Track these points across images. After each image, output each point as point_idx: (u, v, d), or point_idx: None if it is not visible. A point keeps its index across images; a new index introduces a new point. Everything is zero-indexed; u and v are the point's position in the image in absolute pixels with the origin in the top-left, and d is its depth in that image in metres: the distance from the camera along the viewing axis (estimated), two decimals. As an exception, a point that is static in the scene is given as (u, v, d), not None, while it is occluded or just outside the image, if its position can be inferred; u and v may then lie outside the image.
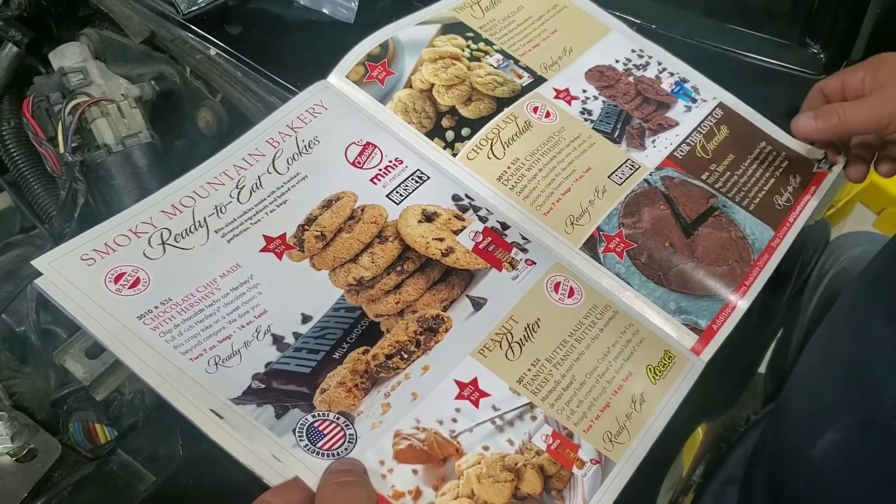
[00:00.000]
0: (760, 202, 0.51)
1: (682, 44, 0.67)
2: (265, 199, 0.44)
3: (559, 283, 0.45)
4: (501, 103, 0.52)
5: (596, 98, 0.54)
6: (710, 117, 0.55)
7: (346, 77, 0.50)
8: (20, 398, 0.54)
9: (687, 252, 0.47)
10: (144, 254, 0.40)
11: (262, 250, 0.42)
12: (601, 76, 0.55)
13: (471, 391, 0.39)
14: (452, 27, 0.55)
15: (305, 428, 0.36)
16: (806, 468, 0.52)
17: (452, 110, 0.51)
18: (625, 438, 0.40)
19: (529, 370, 0.41)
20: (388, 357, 0.40)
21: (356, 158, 0.47)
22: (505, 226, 0.47)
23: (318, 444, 0.36)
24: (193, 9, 0.64)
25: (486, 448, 0.38)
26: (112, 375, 0.53)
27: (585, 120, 0.53)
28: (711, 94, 0.57)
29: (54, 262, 0.38)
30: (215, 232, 0.42)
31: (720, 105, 0.56)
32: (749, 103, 0.57)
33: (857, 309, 0.54)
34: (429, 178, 0.48)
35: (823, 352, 0.58)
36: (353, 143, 0.48)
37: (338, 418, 0.37)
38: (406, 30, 0.53)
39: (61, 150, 0.62)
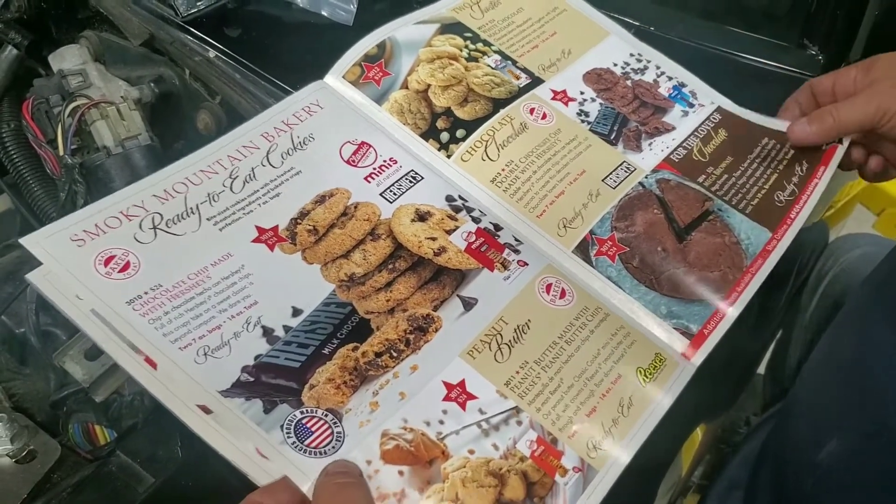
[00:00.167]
0: (759, 203, 0.50)
1: (680, 46, 0.68)
2: (258, 191, 0.44)
3: (551, 284, 0.45)
4: (498, 104, 0.52)
5: (593, 100, 0.54)
6: (708, 121, 0.55)
7: (343, 77, 0.50)
8: (20, 400, 0.54)
9: (679, 257, 0.47)
10: (135, 237, 0.40)
11: (254, 241, 0.42)
12: (599, 79, 0.55)
13: (458, 393, 0.39)
14: (451, 27, 0.55)
15: (294, 424, 0.36)
16: (812, 473, 0.52)
17: (448, 112, 0.51)
18: (609, 445, 0.39)
19: (518, 373, 0.41)
20: (378, 355, 0.40)
21: (350, 157, 0.47)
22: (498, 227, 0.47)
23: (306, 442, 0.36)
24: (192, 11, 0.65)
25: (471, 452, 0.37)
26: (111, 377, 0.53)
27: (582, 122, 0.53)
28: (709, 98, 0.57)
29: (43, 241, 0.37)
30: (207, 220, 0.42)
31: (718, 109, 0.56)
32: (747, 105, 0.57)
33: (862, 314, 0.54)
34: (423, 178, 0.48)
35: (828, 357, 0.58)
36: (348, 142, 0.48)
37: (326, 415, 0.37)
38: (404, 29, 0.53)
39: (61, 152, 0.63)
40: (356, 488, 0.34)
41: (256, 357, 0.38)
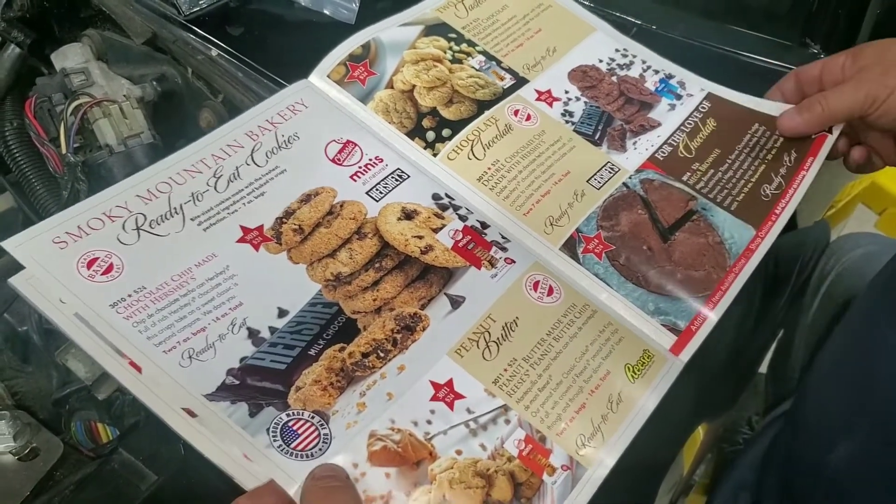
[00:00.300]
0: (745, 198, 0.50)
1: (682, 44, 0.68)
2: (243, 190, 0.43)
3: (538, 281, 0.45)
4: (482, 106, 0.52)
5: (578, 99, 0.54)
6: (697, 112, 0.55)
7: (328, 77, 0.50)
8: (22, 398, 0.54)
9: (664, 256, 0.47)
10: (118, 239, 0.39)
11: (239, 241, 0.41)
12: (584, 76, 0.56)
13: (446, 393, 0.39)
14: (435, 28, 0.55)
15: (280, 427, 0.36)
16: (822, 477, 0.52)
17: (433, 111, 0.51)
18: (598, 443, 0.39)
19: (506, 370, 0.40)
20: (365, 355, 0.39)
21: (336, 156, 0.47)
22: (485, 225, 0.46)
23: (293, 445, 0.35)
24: (195, 10, 0.65)
25: (458, 452, 0.37)
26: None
27: (567, 122, 0.53)
28: (698, 86, 0.57)
29: (24, 244, 0.37)
30: (191, 220, 0.41)
31: (708, 96, 0.56)
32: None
33: (868, 317, 0.54)
34: (409, 176, 0.47)
35: (835, 360, 0.58)
36: (334, 140, 0.48)
37: (312, 417, 0.37)
38: (388, 31, 0.53)
39: (63, 150, 0.63)
40: (343, 491, 0.34)
41: (242, 359, 0.37)
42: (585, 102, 0.54)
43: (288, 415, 0.36)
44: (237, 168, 0.44)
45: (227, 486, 0.34)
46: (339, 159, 0.47)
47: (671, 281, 0.46)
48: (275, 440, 0.35)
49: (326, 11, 0.67)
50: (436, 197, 0.47)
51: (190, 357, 0.36)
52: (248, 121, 0.46)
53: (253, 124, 0.46)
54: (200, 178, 0.43)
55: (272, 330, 0.39)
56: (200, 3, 0.65)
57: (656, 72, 0.57)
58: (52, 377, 0.54)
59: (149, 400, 0.34)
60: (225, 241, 0.41)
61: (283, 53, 0.64)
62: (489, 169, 0.49)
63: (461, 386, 0.39)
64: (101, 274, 0.37)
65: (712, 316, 0.46)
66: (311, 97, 0.49)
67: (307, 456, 0.35)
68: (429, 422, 0.38)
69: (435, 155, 0.49)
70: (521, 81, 0.54)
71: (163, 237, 0.40)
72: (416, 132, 0.50)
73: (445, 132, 0.50)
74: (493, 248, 0.45)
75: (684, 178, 0.51)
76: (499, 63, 0.55)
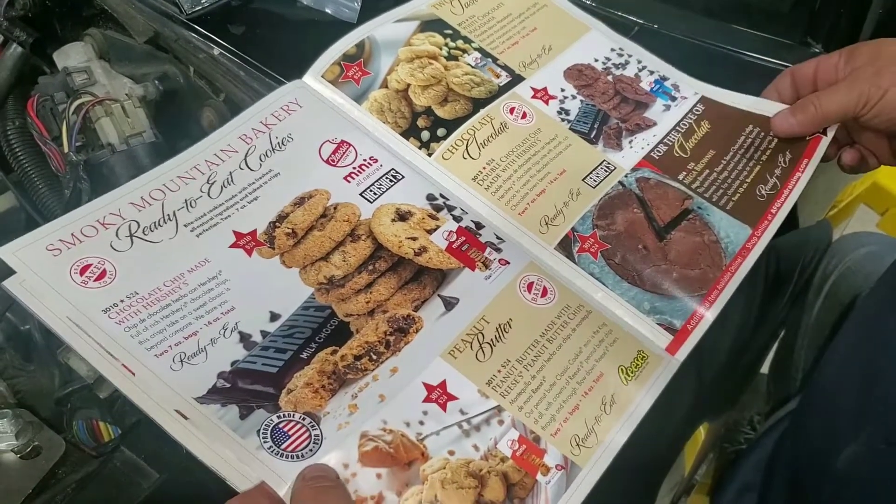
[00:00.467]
0: (740, 198, 0.50)
1: (683, 43, 0.68)
2: (236, 195, 0.44)
3: (532, 282, 0.45)
4: (478, 104, 0.51)
5: (574, 97, 0.54)
6: (691, 114, 0.55)
7: (322, 77, 0.50)
8: (24, 396, 0.54)
9: (660, 255, 0.47)
10: (112, 246, 0.40)
11: (232, 246, 0.42)
12: (580, 75, 0.55)
13: (439, 394, 0.39)
14: (431, 24, 0.55)
15: (270, 429, 0.36)
16: (830, 479, 0.52)
17: (428, 111, 0.50)
18: (592, 442, 0.39)
19: (499, 371, 0.41)
20: (357, 358, 0.40)
21: (330, 156, 0.47)
22: (479, 225, 0.46)
23: (283, 446, 0.36)
24: (197, 9, 0.65)
25: (451, 452, 0.37)
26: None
27: (562, 120, 0.52)
28: (692, 89, 0.56)
29: (19, 252, 0.37)
30: (184, 226, 0.42)
31: (702, 99, 0.56)
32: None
33: (876, 317, 0.54)
34: (403, 177, 0.47)
35: (843, 361, 0.58)
36: (328, 141, 0.48)
37: (303, 419, 0.37)
38: (383, 28, 0.53)
39: (65, 149, 0.63)
40: (334, 491, 0.34)
41: (233, 363, 0.37)
42: (581, 101, 0.54)
43: (279, 416, 0.36)
44: (231, 173, 0.44)
45: (227, 484, 0.34)
46: (333, 160, 0.47)
47: (667, 280, 0.46)
48: (265, 442, 0.35)
49: (328, 10, 0.67)
50: (430, 197, 0.47)
51: (181, 361, 0.36)
52: (242, 123, 0.47)
53: (247, 127, 0.46)
54: (194, 185, 0.43)
55: (264, 334, 0.39)
56: (202, 1, 0.65)
57: (651, 72, 0.57)
58: (54, 376, 0.55)
59: (142, 402, 0.35)
60: (218, 246, 0.41)
61: (284, 52, 0.64)
62: (484, 168, 0.49)
63: (454, 387, 0.39)
64: (94, 280, 0.38)
65: (708, 315, 0.45)
66: (306, 97, 0.49)
67: (298, 457, 0.35)
68: (421, 423, 0.38)
69: (430, 155, 0.49)
70: (516, 79, 0.54)
71: (156, 244, 0.40)
72: (410, 132, 0.49)
73: (440, 131, 0.50)
74: (488, 249, 0.45)
75: (680, 177, 0.51)
76: (494, 60, 0.54)
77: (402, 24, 0.54)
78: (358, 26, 0.53)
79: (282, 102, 0.48)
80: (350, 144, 0.48)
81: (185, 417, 0.35)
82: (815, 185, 0.53)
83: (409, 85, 0.51)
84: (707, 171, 0.51)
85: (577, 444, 0.39)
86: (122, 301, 0.37)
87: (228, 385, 0.37)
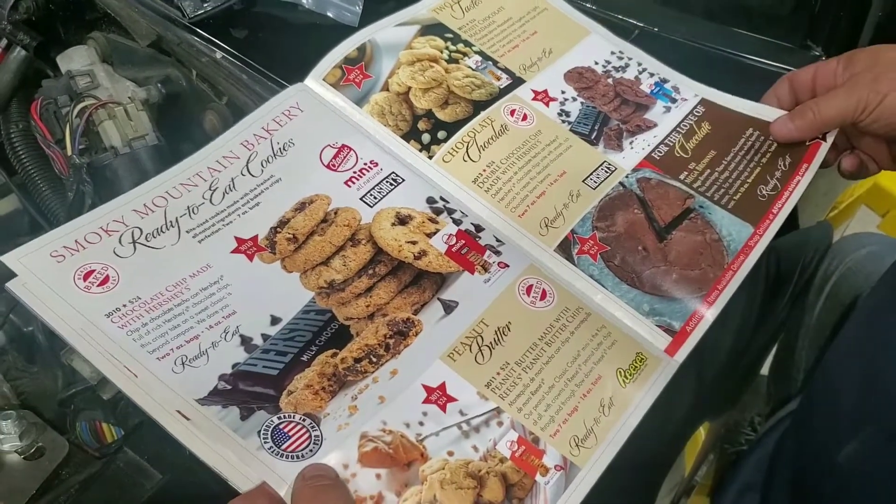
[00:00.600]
0: (741, 198, 0.50)
1: (683, 47, 0.68)
2: (238, 202, 0.44)
3: (531, 285, 0.45)
4: (478, 106, 0.52)
5: (574, 99, 0.54)
6: (691, 115, 0.55)
7: (323, 80, 0.50)
8: (28, 398, 0.55)
9: (660, 256, 0.47)
10: (115, 252, 0.40)
11: (234, 251, 0.42)
12: (580, 77, 0.55)
13: (438, 396, 0.39)
14: (431, 28, 0.55)
15: (270, 430, 0.36)
16: (831, 476, 0.52)
17: (429, 113, 0.51)
18: (591, 443, 0.40)
19: (498, 374, 0.41)
20: (357, 360, 0.40)
21: (331, 161, 0.47)
22: (479, 228, 0.47)
23: (283, 447, 0.36)
24: (199, 13, 0.65)
25: (450, 453, 0.38)
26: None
27: (563, 121, 0.53)
28: (692, 91, 0.57)
29: (23, 259, 0.38)
30: (187, 232, 0.42)
31: (702, 101, 0.56)
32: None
33: (878, 316, 0.54)
34: (404, 180, 0.48)
35: (844, 358, 0.58)
36: (329, 145, 0.48)
37: (303, 420, 0.37)
38: (384, 32, 0.53)
39: (69, 152, 0.64)
40: (334, 490, 0.35)
41: (234, 365, 0.38)
42: (582, 103, 0.54)
43: (279, 417, 0.37)
44: (232, 179, 0.45)
45: (229, 485, 0.35)
46: (333, 165, 0.47)
47: (666, 281, 0.46)
48: (266, 442, 0.36)
49: (330, 14, 0.68)
50: (430, 201, 0.47)
51: (183, 363, 0.37)
52: (245, 129, 0.47)
53: (249, 132, 0.47)
54: (196, 192, 0.44)
55: (265, 337, 0.39)
56: (205, 5, 0.66)
57: (651, 75, 0.57)
58: (58, 377, 0.55)
59: (145, 403, 0.35)
60: (219, 252, 0.42)
61: (286, 56, 0.65)
62: (484, 171, 0.49)
63: (454, 389, 0.40)
64: (97, 285, 0.38)
65: (708, 315, 0.46)
66: (307, 101, 0.50)
67: (298, 457, 0.36)
68: (421, 423, 0.38)
69: (430, 157, 0.49)
70: (517, 81, 0.54)
71: (158, 250, 0.41)
72: (411, 134, 0.50)
73: (441, 134, 0.50)
74: (487, 253, 0.46)
75: (681, 176, 0.51)
76: (495, 63, 0.55)
77: (403, 28, 0.54)
78: (359, 30, 0.53)
79: (283, 106, 0.49)
80: (351, 148, 0.48)
81: (187, 418, 0.35)
82: (816, 187, 0.53)
83: (409, 88, 0.51)
84: (708, 170, 0.52)
85: (576, 445, 0.39)
86: (124, 306, 0.38)
87: (229, 387, 0.37)
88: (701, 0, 0.73)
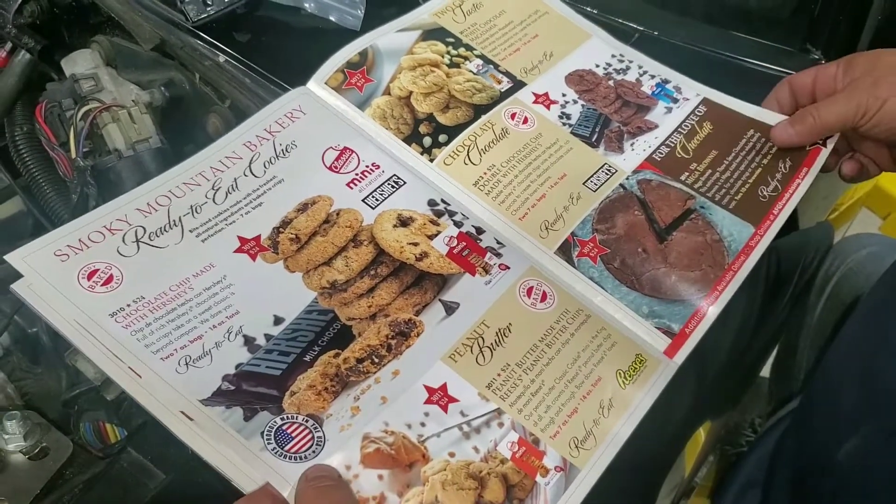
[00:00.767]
0: (743, 198, 0.50)
1: (683, 50, 0.68)
2: (241, 201, 0.44)
3: (532, 287, 0.45)
4: (479, 110, 0.52)
5: (575, 102, 0.54)
6: (693, 115, 0.55)
7: (326, 83, 0.51)
8: (32, 398, 0.55)
9: (660, 258, 0.47)
10: (118, 251, 0.40)
11: (237, 251, 0.42)
12: (581, 80, 0.56)
13: (440, 396, 0.40)
14: (433, 33, 0.55)
15: (274, 431, 0.37)
16: (832, 473, 0.53)
17: (430, 117, 0.51)
18: (591, 444, 0.40)
19: (499, 375, 0.41)
20: (359, 361, 0.40)
21: (333, 163, 0.48)
22: (480, 230, 0.47)
23: (286, 448, 0.36)
24: (203, 16, 0.66)
25: (451, 454, 0.38)
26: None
27: (564, 124, 0.53)
28: (694, 91, 0.57)
29: (27, 257, 0.38)
30: (190, 231, 0.42)
31: (704, 101, 0.56)
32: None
33: (878, 314, 0.54)
34: (405, 183, 0.48)
35: (844, 357, 0.58)
36: (331, 147, 0.48)
37: (306, 421, 0.37)
38: (386, 37, 0.54)
39: (73, 154, 0.64)
40: (337, 490, 0.35)
41: (237, 366, 0.38)
42: (583, 105, 0.54)
43: (282, 418, 0.37)
44: (235, 179, 0.45)
45: (232, 485, 0.35)
46: (336, 167, 0.48)
47: (666, 283, 0.47)
48: (269, 443, 0.36)
49: (332, 18, 0.68)
50: (431, 203, 0.48)
51: (186, 364, 0.37)
52: (247, 131, 0.47)
53: (251, 134, 0.47)
54: (199, 191, 0.44)
55: (268, 337, 0.40)
56: (208, 9, 0.66)
57: (652, 76, 0.57)
58: (62, 378, 0.55)
59: (148, 403, 0.36)
60: (223, 251, 0.42)
61: (289, 60, 0.65)
62: (485, 174, 0.49)
63: (455, 390, 0.40)
64: (101, 285, 0.39)
65: (707, 317, 0.46)
66: (310, 104, 0.50)
67: (301, 458, 0.36)
68: (422, 424, 0.39)
69: (431, 161, 0.49)
70: (518, 85, 0.54)
71: (162, 249, 0.41)
72: (412, 138, 0.50)
73: (442, 137, 0.50)
74: (488, 255, 0.46)
75: (682, 177, 0.52)
76: (496, 67, 0.55)
77: (405, 33, 0.55)
78: (361, 35, 0.54)
79: (286, 109, 0.49)
80: (353, 151, 0.49)
81: (191, 419, 0.35)
82: (816, 190, 0.53)
83: (411, 92, 0.52)
84: (710, 170, 0.52)
85: (576, 446, 0.40)
86: (128, 305, 0.38)
87: (233, 387, 0.37)
88: (700, 4, 0.73)
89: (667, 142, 0.53)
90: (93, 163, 0.63)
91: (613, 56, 0.58)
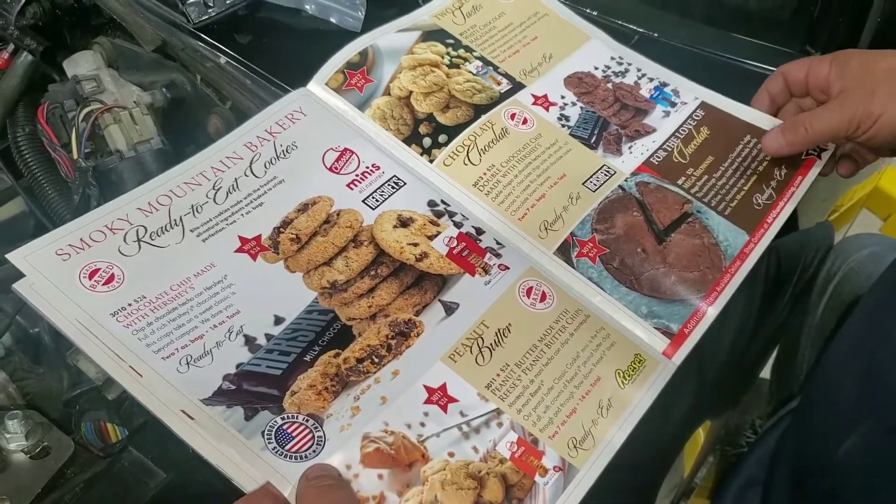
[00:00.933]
0: (738, 205, 0.51)
1: (683, 52, 0.68)
2: (241, 201, 0.45)
3: (531, 287, 0.45)
4: (479, 110, 0.52)
5: (574, 104, 0.55)
6: (690, 119, 0.55)
7: (326, 84, 0.51)
8: (34, 398, 0.55)
9: (659, 258, 0.48)
10: (119, 250, 0.41)
11: (237, 251, 0.43)
12: (580, 83, 0.56)
13: (439, 396, 0.40)
14: (433, 34, 0.56)
15: (274, 430, 0.37)
16: (832, 471, 0.53)
17: (430, 117, 0.51)
18: (589, 445, 0.40)
19: (498, 375, 0.41)
20: (359, 361, 0.40)
21: (333, 164, 0.48)
22: (480, 231, 0.47)
23: (287, 447, 0.36)
24: (204, 18, 0.66)
25: (451, 454, 0.38)
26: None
27: (563, 126, 0.53)
28: (692, 94, 0.57)
29: (29, 256, 0.38)
30: (191, 231, 0.43)
31: (702, 105, 0.56)
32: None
33: (877, 312, 0.54)
34: (405, 183, 0.48)
35: (844, 355, 0.58)
36: (331, 148, 0.49)
37: (307, 420, 0.38)
38: (386, 37, 0.54)
39: (75, 155, 0.64)
40: (338, 489, 0.35)
41: (238, 365, 0.38)
42: (581, 107, 0.55)
43: (283, 418, 0.37)
44: (236, 179, 0.45)
45: (233, 484, 0.35)
46: (336, 167, 0.48)
47: (665, 283, 0.47)
48: (269, 443, 0.36)
49: (333, 20, 0.68)
50: (431, 204, 0.48)
51: (188, 363, 0.37)
52: (248, 132, 0.48)
53: (252, 135, 0.47)
54: (200, 191, 0.44)
55: (268, 337, 0.40)
56: (209, 11, 0.67)
57: (651, 79, 0.58)
58: (63, 378, 0.56)
59: (149, 402, 0.36)
60: (223, 251, 0.42)
61: (289, 61, 0.66)
62: (484, 174, 0.50)
63: (454, 390, 0.40)
64: (103, 284, 0.39)
65: (706, 318, 0.46)
66: (310, 105, 0.50)
67: (301, 458, 0.36)
68: (422, 424, 0.39)
69: (431, 161, 0.50)
70: (517, 86, 0.55)
71: (163, 248, 0.41)
72: (412, 138, 0.50)
73: (442, 138, 0.51)
74: (488, 255, 0.46)
75: (679, 182, 0.52)
76: (496, 68, 0.55)
77: (405, 33, 0.55)
78: (361, 35, 0.54)
79: (286, 111, 0.49)
80: (353, 152, 0.49)
81: (192, 418, 0.36)
82: (815, 192, 0.54)
83: (411, 92, 0.52)
84: (706, 176, 0.52)
85: (575, 447, 0.40)
86: (129, 305, 0.38)
87: (233, 387, 0.37)
88: (700, 5, 0.73)
89: (664, 146, 0.54)
90: (94, 163, 0.63)
91: (612, 58, 0.58)
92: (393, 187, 0.48)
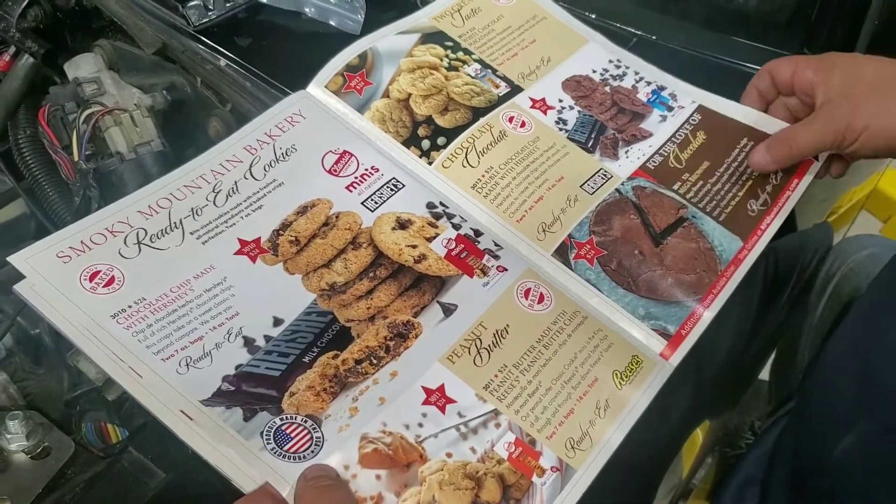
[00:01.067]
0: (732, 211, 0.51)
1: (681, 55, 0.69)
2: (241, 204, 0.45)
3: (529, 289, 0.46)
4: (477, 113, 0.53)
5: (572, 108, 0.55)
6: (687, 124, 0.56)
7: (325, 87, 0.51)
8: (34, 398, 0.55)
9: (656, 260, 0.48)
10: (120, 253, 0.41)
11: (237, 253, 0.43)
12: (578, 86, 0.56)
13: (437, 397, 0.40)
14: (432, 37, 0.56)
15: (273, 431, 0.37)
16: (829, 470, 0.53)
17: (429, 120, 0.52)
18: (587, 445, 0.40)
19: (496, 376, 0.42)
20: (358, 362, 0.41)
21: (333, 166, 0.48)
22: (478, 233, 0.47)
23: (285, 448, 0.37)
24: (204, 21, 0.67)
25: (449, 455, 0.38)
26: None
27: (560, 129, 0.54)
28: (690, 97, 0.57)
29: (30, 259, 0.39)
30: (190, 234, 0.43)
31: (699, 108, 0.56)
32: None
33: (874, 313, 0.55)
34: (404, 186, 0.49)
35: (841, 355, 0.59)
36: (330, 151, 0.49)
37: (305, 421, 0.38)
38: (385, 40, 0.54)
39: (75, 157, 0.65)
40: (336, 489, 0.35)
41: (237, 367, 0.39)
42: (579, 111, 0.55)
43: (281, 419, 0.37)
44: (236, 182, 0.45)
45: (232, 484, 0.36)
46: (335, 170, 0.48)
47: (662, 285, 0.47)
48: (268, 443, 0.36)
49: (332, 23, 0.69)
50: (430, 206, 0.48)
51: (187, 364, 0.38)
52: (247, 135, 0.48)
53: (251, 138, 0.48)
54: (200, 194, 0.44)
55: (267, 338, 0.40)
56: (209, 14, 0.67)
57: (648, 83, 0.58)
58: (64, 379, 0.56)
59: (149, 403, 0.36)
60: (223, 253, 0.42)
61: (289, 64, 0.66)
62: (483, 176, 0.50)
63: (453, 391, 0.41)
64: (103, 286, 0.39)
65: (703, 319, 0.46)
66: (309, 108, 0.51)
67: (300, 458, 0.37)
68: (420, 425, 0.39)
69: (430, 163, 0.50)
70: (515, 89, 0.55)
71: (163, 251, 0.42)
72: (411, 141, 0.51)
73: (440, 140, 0.51)
74: (486, 257, 0.46)
75: (675, 187, 0.52)
76: (494, 71, 0.56)
77: (404, 36, 0.55)
78: (361, 38, 0.54)
79: (286, 113, 0.50)
80: (352, 154, 0.49)
81: (191, 419, 0.36)
82: (813, 195, 0.54)
83: (410, 94, 0.52)
84: (701, 182, 0.52)
85: (572, 447, 0.40)
86: (129, 307, 0.39)
87: (233, 388, 0.38)
88: (699, 8, 0.74)
89: (660, 151, 0.54)
90: (95, 166, 0.64)
91: (610, 61, 0.59)
92: (392, 189, 0.48)
